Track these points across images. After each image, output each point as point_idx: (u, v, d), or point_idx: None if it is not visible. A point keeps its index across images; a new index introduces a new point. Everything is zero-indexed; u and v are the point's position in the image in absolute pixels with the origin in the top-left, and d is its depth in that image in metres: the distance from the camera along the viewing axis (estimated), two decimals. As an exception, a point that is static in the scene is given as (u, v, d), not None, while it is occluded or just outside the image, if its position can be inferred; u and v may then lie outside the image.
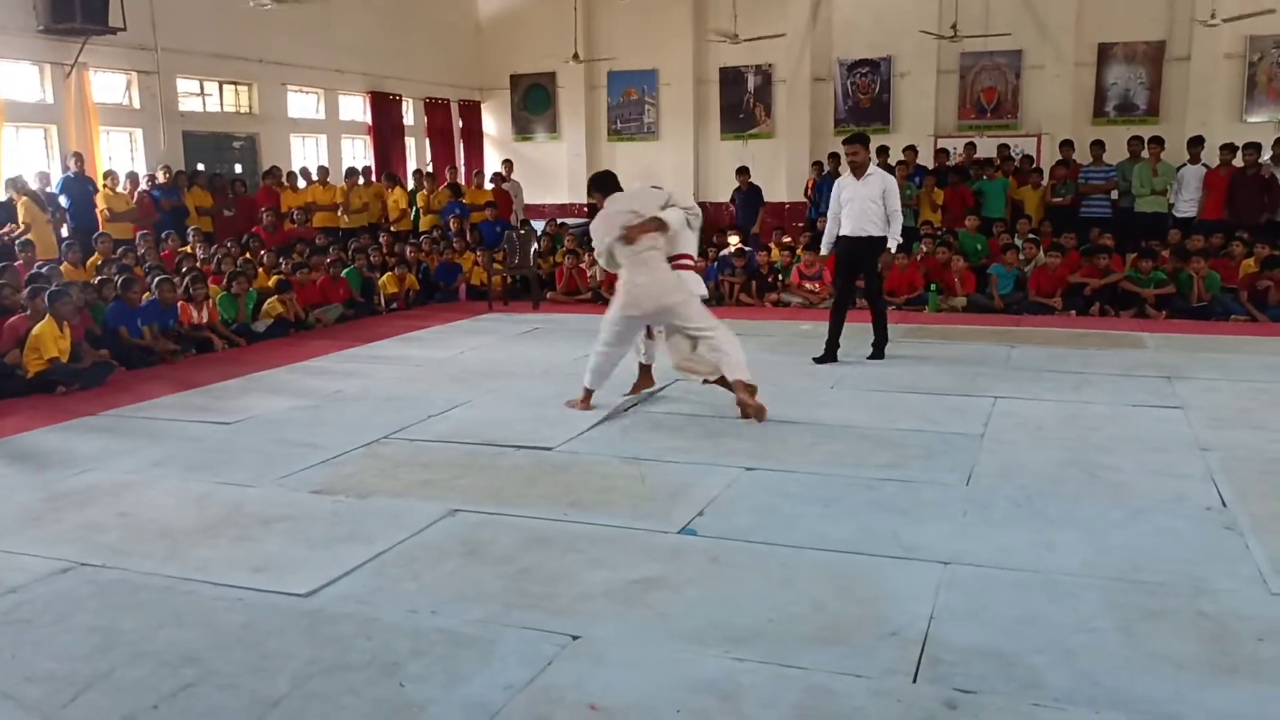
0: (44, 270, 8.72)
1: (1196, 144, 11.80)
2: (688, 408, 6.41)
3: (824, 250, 8.36)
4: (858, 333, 8.05)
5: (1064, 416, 6.05)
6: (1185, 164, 11.84)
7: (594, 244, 6.24)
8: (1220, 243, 10.73)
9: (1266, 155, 11.64)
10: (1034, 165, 13.57)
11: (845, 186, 7.78)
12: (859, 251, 7.76)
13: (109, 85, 12.41)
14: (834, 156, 13.29)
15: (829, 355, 7.83)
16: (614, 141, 17.99)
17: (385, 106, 16.24)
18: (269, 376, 7.73)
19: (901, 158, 13.29)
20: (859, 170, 7.66)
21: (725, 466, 5.08)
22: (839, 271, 8.09)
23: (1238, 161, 11.50)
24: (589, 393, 6.34)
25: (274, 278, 10.25)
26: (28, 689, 3.00)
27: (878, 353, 7.90)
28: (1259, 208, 11.37)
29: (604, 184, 6.28)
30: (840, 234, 7.82)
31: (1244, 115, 14.37)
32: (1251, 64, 14.37)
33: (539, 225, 13.90)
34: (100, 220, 10.96)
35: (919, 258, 11.04)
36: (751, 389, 6.00)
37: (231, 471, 5.17)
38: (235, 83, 14.05)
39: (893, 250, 7.87)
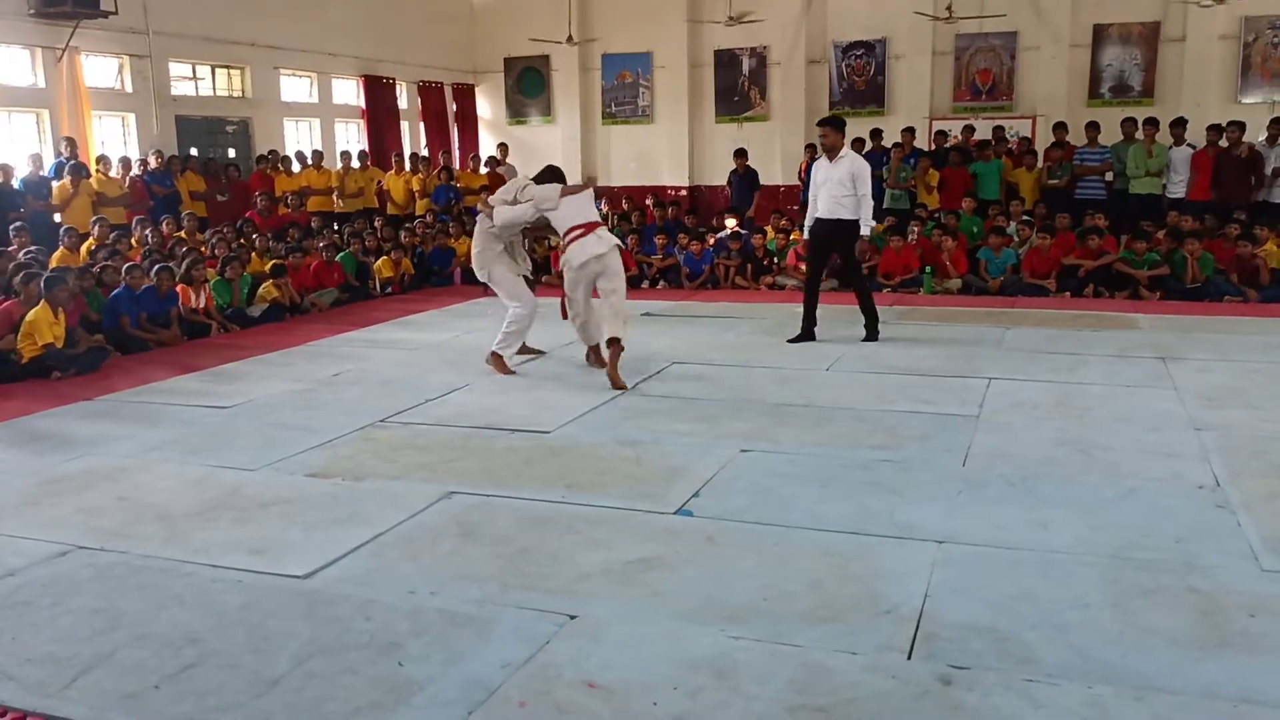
0: (35, 255, 8.70)
1: (1179, 125, 11.80)
2: (683, 390, 6.42)
3: (805, 234, 8.47)
4: (850, 315, 8.10)
5: (1059, 397, 6.07)
6: (1172, 145, 11.85)
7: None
8: (1215, 225, 10.74)
9: (1261, 136, 11.64)
10: (1029, 147, 13.54)
11: (819, 169, 7.94)
12: (832, 234, 7.86)
13: (101, 69, 12.36)
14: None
15: (805, 334, 7.99)
16: (608, 124, 17.95)
17: (379, 90, 16.19)
18: (265, 361, 7.73)
19: (898, 140, 13.27)
20: (831, 153, 7.78)
21: (721, 448, 5.10)
22: (810, 252, 8.24)
23: (1224, 142, 11.49)
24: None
25: (269, 262, 10.24)
26: (29, 670, 3.02)
27: (871, 334, 7.93)
28: (1246, 187, 11.38)
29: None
30: (816, 216, 7.96)
31: (1239, 96, 14.37)
32: (1246, 45, 14.36)
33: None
34: (91, 206, 10.90)
35: (913, 240, 11.05)
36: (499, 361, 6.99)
37: (229, 455, 5.18)
38: (228, 66, 13.99)
39: (865, 235, 7.85)
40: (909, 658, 3.00)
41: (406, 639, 3.16)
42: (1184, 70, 14.56)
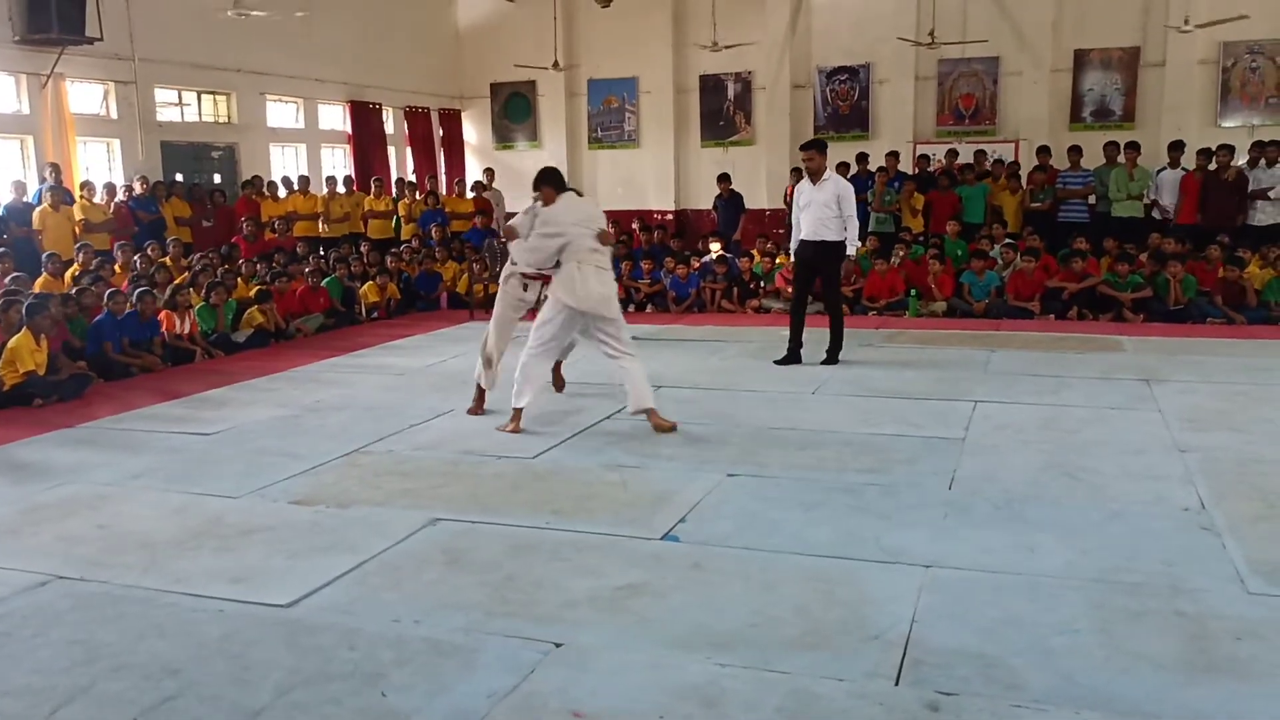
0: (17, 283, 8.66)
1: (1176, 149, 11.90)
2: (669, 414, 6.38)
3: (791, 256, 8.49)
4: (817, 337, 8.12)
5: (1044, 420, 6.09)
6: (1164, 168, 11.95)
7: (549, 231, 6.02)
8: (1192, 247, 10.80)
9: (1243, 159, 11.75)
10: (1009, 170, 13.61)
11: (803, 192, 7.99)
12: (816, 255, 7.92)
13: (86, 95, 12.33)
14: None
15: (791, 357, 8.04)
16: (595, 149, 18.00)
17: (365, 115, 16.20)
18: (249, 387, 7.69)
19: (882, 164, 13.35)
20: (815, 176, 7.84)
21: (707, 473, 5.09)
22: (796, 275, 8.29)
23: (1212, 166, 11.59)
24: (519, 411, 6.04)
25: (254, 288, 10.21)
26: (6, 703, 2.98)
27: (831, 358, 7.97)
28: (1233, 210, 11.47)
29: (557, 180, 6.24)
30: (800, 238, 8.01)
31: (1218, 120, 14.52)
32: (1225, 69, 14.52)
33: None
34: (75, 231, 10.86)
35: (897, 263, 11.10)
36: (653, 412, 6.01)
37: (211, 482, 5.13)
38: (214, 92, 13.98)
39: (852, 256, 7.96)
40: (896, 684, 2.98)
41: (390, 669, 3.13)
42: (1164, 94, 14.71)
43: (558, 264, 6.03)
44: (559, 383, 7.00)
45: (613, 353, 6.04)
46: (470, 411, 6.52)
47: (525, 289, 6.45)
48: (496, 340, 6.46)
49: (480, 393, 6.55)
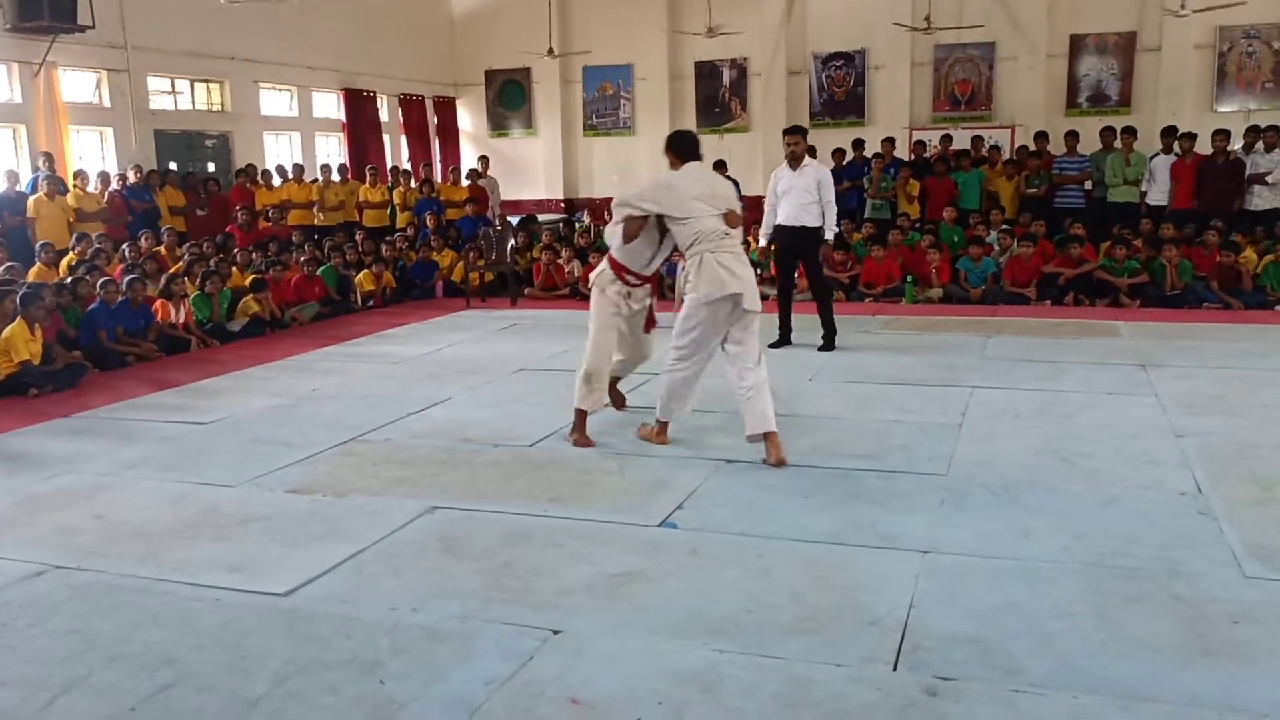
0: (11, 273, 8.63)
1: (1169, 134, 11.87)
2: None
3: (762, 240, 8.49)
4: (811, 324, 8.13)
5: (1040, 405, 6.09)
6: (1158, 153, 11.92)
7: (652, 201, 5.18)
8: (1192, 232, 10.80)
9: (1238, 144, 11.72)
10: (1019, 156, 13.56)
11: (782, 177, 8.01)
12: (795, 241, 7.97)
13: (78, 84, 12.28)
14: (810, 149, 13.27)
15: (782, 340, 8.16)
16: (590, 136, 17.97)
17: (359, 103, 16.16)
18: (244, 376, 7.67)
19: (878, 150, 13.32)
20: (796, 161, 7.88)
21: (704, 459, 5.09)
22: (780, 261, 8.35)
23: (1207, 149, 11.56)
24: (663, 425, 5.38)
25: (249, 277, 10.18)
26: (3, 693, 2.97)
27: (828, 344, 8.00)
28: (1228, 195, 11.45)
29: (683, 146, 5.31)
30: (777, 224, 8.03)
31: (1214, 105, 14.51)
32: (1221, 54, 14.51)
33: (516, 221, 13.87)
34: (70, 221, 10.81)
35: (893, 249, 11.08)
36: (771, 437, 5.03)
37: (207, 471, 5.12)
38: (207, 80, 13.94)
39: (829, 240, 8.00)
40: (894, 669, 2.99)
41: (387, 657, 3.12)
42: (1160, 79, 14.70)
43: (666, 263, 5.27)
44: (618, 400, 6.11)
45: (744, 367, 5.04)
46: (575, 442, 5.41)
47: (629, 296, 5.50)
48: (594, 355, 5.40)
49: (579, 417, 5.47)
